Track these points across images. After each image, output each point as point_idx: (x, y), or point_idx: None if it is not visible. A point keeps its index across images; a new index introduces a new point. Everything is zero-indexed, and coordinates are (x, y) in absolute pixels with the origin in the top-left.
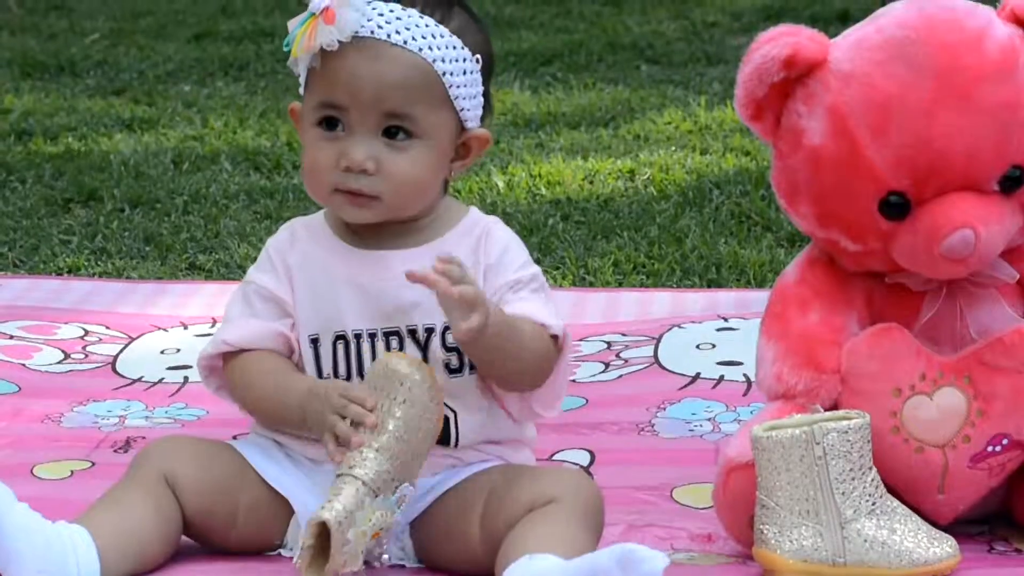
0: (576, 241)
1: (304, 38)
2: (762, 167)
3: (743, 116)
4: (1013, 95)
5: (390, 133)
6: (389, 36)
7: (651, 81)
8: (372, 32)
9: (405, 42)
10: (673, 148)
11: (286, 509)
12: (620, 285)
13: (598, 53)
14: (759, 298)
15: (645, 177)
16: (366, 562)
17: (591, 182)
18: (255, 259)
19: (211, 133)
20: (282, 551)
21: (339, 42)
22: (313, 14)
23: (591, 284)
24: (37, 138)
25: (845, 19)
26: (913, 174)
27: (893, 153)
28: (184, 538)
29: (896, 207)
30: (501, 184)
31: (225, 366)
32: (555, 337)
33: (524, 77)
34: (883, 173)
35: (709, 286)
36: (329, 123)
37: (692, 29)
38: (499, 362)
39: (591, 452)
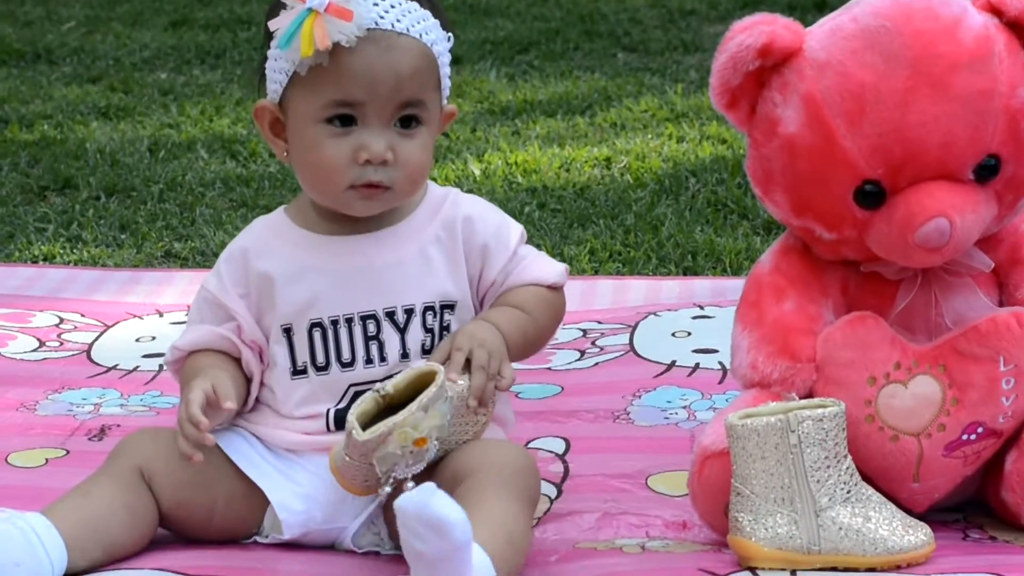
0: (552, 229)
1: (315, 37)
2: (738, 155)
3: (718, 105)
4: (988, 83)
5: (404, 122)
6: (393, 25)
7: (628, 69)
8: (376, 23)
9: (408, 29)
10: (649, 136)
11: (263, 499)
12: (596, 273)
13: (575, 41)
14: (735, 286)
15: (621, 165)
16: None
17: (567, 170)
18: None
19: (187, 121)
20: (258, 538)
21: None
22: (311, 10)
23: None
24: (13, 125)
25: (822, 7)
26: (888, 163)
27: (868, 142)
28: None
29: (871, 196)
30: (477, 172)
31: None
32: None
33: (500, 65)
34: (858, 162)
35: (685, 274)
36: (342, 120)
37: (669, 17)
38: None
39: (566, 440)
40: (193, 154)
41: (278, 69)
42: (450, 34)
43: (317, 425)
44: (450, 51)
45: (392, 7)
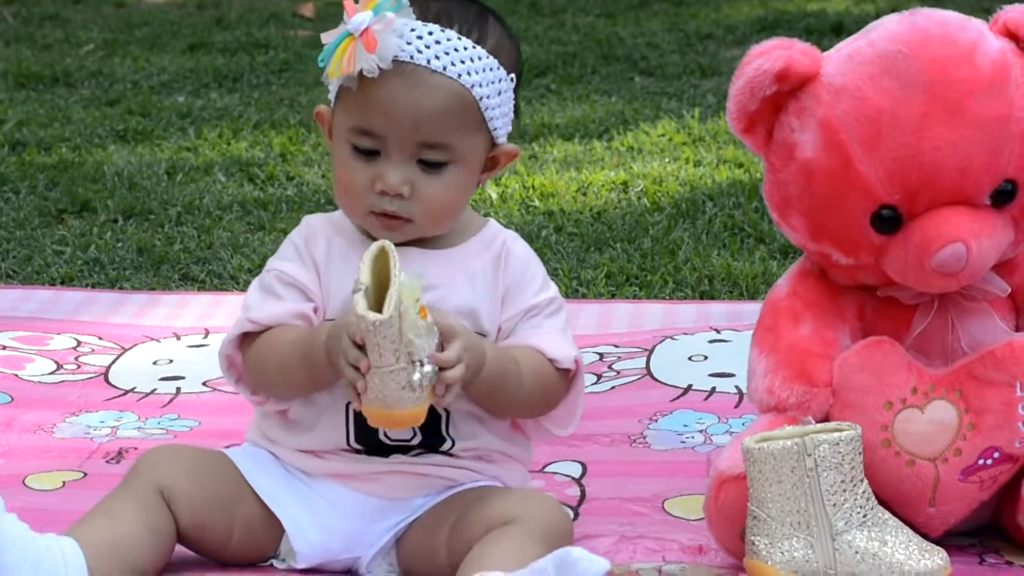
0: (569, 253)
1: (343, 61)
2: (755, 179)
3: (735, 130)
4: (1005, 109)
5: (426, 161)
6: (429, 62)
7: (645, 93)
8: (412, 57)
9: (444, 68)
10: (666, 160)
11: (280, 525)
12: (613, 297)
13: (592, 65)
14: (751, 310)
15: (638, 189)
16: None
17: (584, 194)
18: (248, 270)
19: (205, 144)
20: (274, 562)
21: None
22: (350, 34)
23: (584, 296)
24: (31, 148)
25: (839, 31)
26: (905, 188)
27: (885, 167)
28: (178, 548)
29: (888, 221)
30: (494, 195)
31: (246, 349)
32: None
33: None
34: (875, 187)
35: (701, 298)
36: (365, 146)
37: (686, 41)
38: (495, 401)
39: (583, 464)
40: (211, 177)
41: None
42: (512, 74)
43: (336, 438)
44: (514, 91)
45: (436, 43)
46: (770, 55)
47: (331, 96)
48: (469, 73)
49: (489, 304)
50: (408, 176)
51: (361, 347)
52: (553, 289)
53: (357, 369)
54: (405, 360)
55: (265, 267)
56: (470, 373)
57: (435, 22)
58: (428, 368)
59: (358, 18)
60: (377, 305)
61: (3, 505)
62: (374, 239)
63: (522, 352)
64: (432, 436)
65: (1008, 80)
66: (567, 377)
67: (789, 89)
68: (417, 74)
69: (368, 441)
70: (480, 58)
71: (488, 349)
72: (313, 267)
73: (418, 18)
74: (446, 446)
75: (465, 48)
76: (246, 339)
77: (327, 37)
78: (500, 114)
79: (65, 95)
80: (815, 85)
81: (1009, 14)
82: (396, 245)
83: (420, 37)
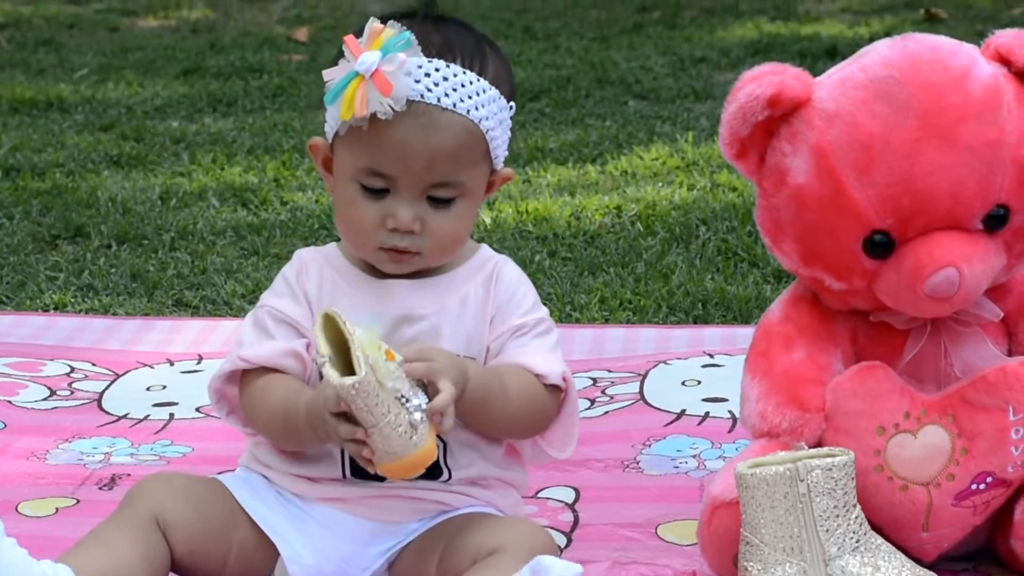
0: (562, 277)
1: (355, 102)
2: (749, 203)
3: (728, 155)
4: (997, 134)
5: (435, 198)
6: (439, 100)
7: (638, 117)
8: (422, 96)
9: (455, 104)
10: (660, 184)
11: (275, 549)
12: (606, 321)
13: (586, 88)
14: (745, 334)
15: (632, 213)
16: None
17: (578, 218)
18: (242, 295)
19: (198, 169)
20: None
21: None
22: (358, 73)
23: (577, 320)
24: (25, 174)
25: (833, 55)
26: (897, 213)
27: (877, 192)
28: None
29: (880, 246)
30: (488, 220)
31: (241, 388)
32: (556, 385)
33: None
34: (867, 212)
35: (695, 322)
36: (374, 186)
37: (680, 65)
38: (482, 419)
39: (576, 489)
40: (204, 203)
41: (333, 116)
42: (512, 103)
43: (330, 470)
44: (512, 117)
45: (444, 79)
46: (762, 80)
47: (328, 130)
48: (477, 108)
49: (479, 327)
50: (419, 213)
51: (347, 417)
52: (543, 311)
53: (357, 441)
54: (396, 407)
55: (259, 302)
56: (456, 390)
57: (439, 56)
58: (418, 401)
59: (366, 58)
60: (346, 368)
61: (2, 529)
62: (370, 270)
63: (508, 370)
64: (429, 468)
65: (1000, 105)
66: (558, 395)
67: (781, 114)
68: (429, 113)
69: (364, 475)
70: (485, 91)
71: (470, 368)
72: (305, 301)
73: (422, 52)
74: (443, 477)
75: (471, 83)
76: (243, 373)
77: (330, 74)
78: (502, 143)
79: (59, 120)
80: (807, 110)
81: (1001, 39)
82: (391, 277)
83: (428, 75)
